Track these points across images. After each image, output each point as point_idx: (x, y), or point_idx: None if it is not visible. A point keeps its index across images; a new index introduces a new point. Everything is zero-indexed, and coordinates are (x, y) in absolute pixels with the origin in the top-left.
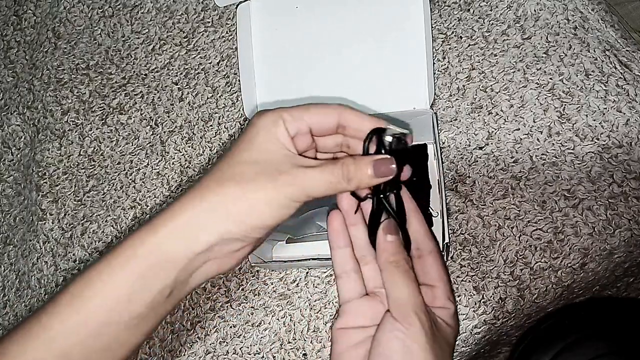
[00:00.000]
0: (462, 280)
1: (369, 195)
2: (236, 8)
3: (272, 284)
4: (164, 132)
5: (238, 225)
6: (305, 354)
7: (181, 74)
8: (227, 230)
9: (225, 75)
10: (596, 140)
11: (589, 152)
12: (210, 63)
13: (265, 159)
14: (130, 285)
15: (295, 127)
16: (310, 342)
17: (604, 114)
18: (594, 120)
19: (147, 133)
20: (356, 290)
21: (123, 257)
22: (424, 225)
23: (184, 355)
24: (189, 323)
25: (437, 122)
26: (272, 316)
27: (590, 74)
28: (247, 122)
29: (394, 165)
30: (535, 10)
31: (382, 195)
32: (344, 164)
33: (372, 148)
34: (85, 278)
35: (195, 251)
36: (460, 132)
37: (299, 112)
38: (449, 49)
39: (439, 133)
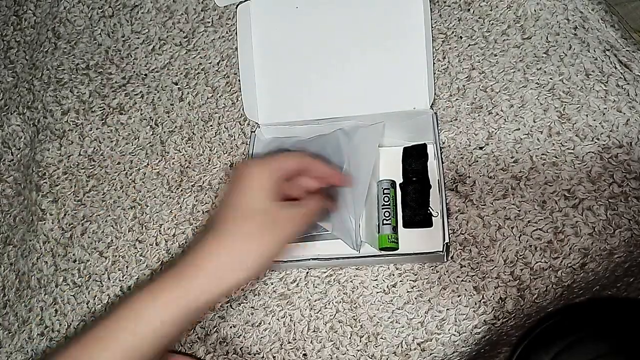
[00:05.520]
0: (462, 280)
1: None
2: (236, 8)
3: (272, 284)
4: (164, 132)
5: (250, 273)
6: (305, 354)
7: (181, 74)
8: (243, 277)
9: (225, 75)
10: (596, 140)
11: (589, 152)
12: (210, 63)
13: (262, 210)
14: (163, 326)
15: (281, 175)
16: (310, 342)
17: (604, 114)
18: (594, 120)
19: (147, 133)
20: None
21: (157, 303)
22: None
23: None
24: None
25: (437, 122)
26: (272, 316)
27: (591, 74)
28: (234, 170)
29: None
30: (535, 10)
31: None
32: (311, 206)
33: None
34: (133, 302)
35: (216, 300)
36: (460, 132)
37: (276, 163)
38: (449, 48)
39: (439, 133)
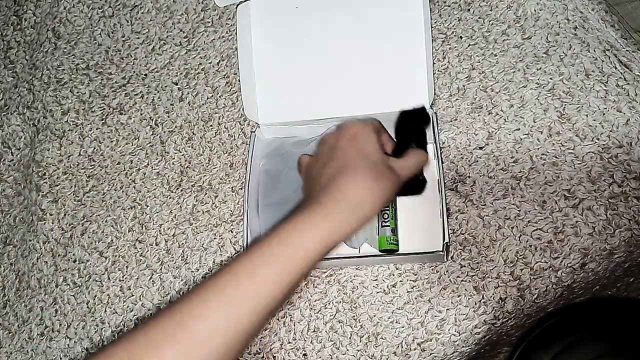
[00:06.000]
0: (462, 280)
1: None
2: (236, 8)
3: None
4: (164, 132)
5: (372, 214)
6: (305, 354)
7: (181, 74)
8: (370, 213)
9: (225, 75)
10: (596, 140)
11: (589, 152)
12: (210, 63)
13: (380, 159)
14: (307, 256)
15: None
16: (310, 342)
17: (604, 114)
18: (594, 120)
19: (147, 133)
20: None
21: (277, 254)
22: None
23: None
24: None
25: (437, 122)
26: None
27: (591, 74)
28: (342, 130)
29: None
30: (535, 10)
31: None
32: (419, 156)
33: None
34: (257, 252)
35: (349, 234)
36: (460, 132)
37: (374, 124)
38: (449, 49)
39: (439, 133)
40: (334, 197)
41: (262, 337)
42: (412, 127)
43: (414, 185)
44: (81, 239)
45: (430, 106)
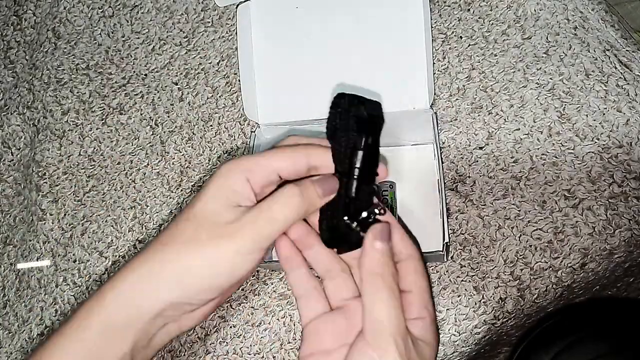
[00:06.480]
0: (462, 280)
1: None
2: (236, 8)
3: (272, 284)
4: (164, 132)
5: (182, 290)
6: None
7: (181, 74)
8: (170, 295)
9: (225, 75)
10: (596, 140)
11: (589, 152)
12: (210, 63)
13: (210, 213)
14: (87, 355)
15: (262, 176)
16: None
17: (604, 114)
18: (594, 120)
19: (147, 133)
20: (318, 309)
21: (75, 327)
22: (401, 229)
23: (184, 355)
24: None
25: (437, 122)
26: (272, 316)
27: (591, 74)
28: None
29: (336, 183)
30: (535, 10)
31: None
32: (280, 201)
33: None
34: (45, 349)
35: (145, 319)
36: (460, 132)
37: (266, 159)
38: (449, 49)
39: (439, 133)
40: (114, 284)
41: (262, 337)
42: (343, 135)
43: (342, 237)
44: (81, 239)
45: (431, 106)
